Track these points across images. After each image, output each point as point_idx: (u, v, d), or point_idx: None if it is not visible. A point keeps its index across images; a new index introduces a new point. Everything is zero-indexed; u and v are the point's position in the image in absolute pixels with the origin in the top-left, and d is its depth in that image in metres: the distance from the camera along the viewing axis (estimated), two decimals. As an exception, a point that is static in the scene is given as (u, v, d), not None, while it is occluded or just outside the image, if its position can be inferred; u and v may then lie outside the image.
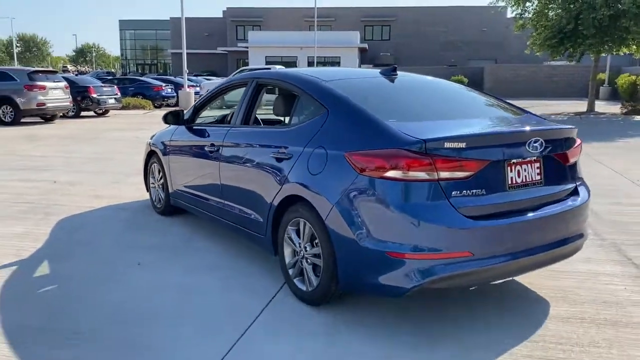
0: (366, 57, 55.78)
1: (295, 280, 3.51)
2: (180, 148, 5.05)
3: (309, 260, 3.38)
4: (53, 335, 3.04)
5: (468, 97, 4.05)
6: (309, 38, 45.99)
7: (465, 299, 3.53)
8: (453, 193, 2.85)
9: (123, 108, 22.50)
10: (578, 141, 3.51)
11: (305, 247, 3.39)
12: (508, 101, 4.07)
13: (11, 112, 15.97)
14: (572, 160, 3.42)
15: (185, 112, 5.14)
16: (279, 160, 3.58)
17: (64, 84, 17.13)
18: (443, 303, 3.47)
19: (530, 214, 3.08)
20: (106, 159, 9.36)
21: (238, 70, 25.77)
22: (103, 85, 20.24)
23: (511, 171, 3.05)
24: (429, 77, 4.30)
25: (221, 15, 62.71)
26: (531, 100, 26.32)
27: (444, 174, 2.83)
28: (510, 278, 3.43)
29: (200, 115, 5.19)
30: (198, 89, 26.30)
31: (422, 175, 2.82)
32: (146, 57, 73.30)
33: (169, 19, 64.74)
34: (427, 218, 2.81)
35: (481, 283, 3.18)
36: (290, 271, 3.56)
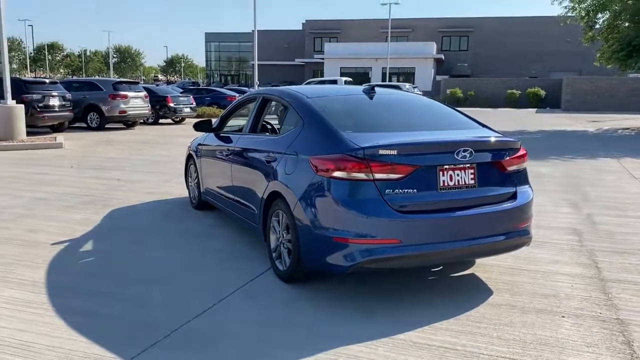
0: (442, 68, 55.53)
1: (276, 262, 4.23)
2: (208, 152, 5.94)
3: (285, 245, 4.09)
4: (77, 290, 3.94)
5: (431, 113, 4.65)
6: (383, 49, 46.60)
7: (419, 286, 4.09)
8: (386, 191, 3.48)
9: (198, 116, 24.24)
10: (521, 152, 4.01)
11: (282, 234, 4.11)
12: (470, 116, 4.59)
13: (97, 118, 17.86)
14: (510, 168, 3.92)
15: (214, 121, 6.03)
16: (268, 162, 4.34)
17: (143, 93, 18.89)
18: (397, 287, 4.05)
19: (460, 212, 3.63)
20: (169, 162, 10.53)
21: (306, 82, 26.90)
22: (180, 95, 21.97)
23: (443, 175, 3.62)
24: (406, 94, 4.95)
25: (300, 28, 64.73)
26: (607, 114, 25.46)
27: (379, 175, 3.47)
28: (442, 264, 4.12)
29: (228, 124, 6.05)
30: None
31: (361, 176, 3.47)
32: (230, 68, 76.82)
33: (251, 31, 67.70)
34: (364, 211, 3.45)
35: (411, 266, 3.80)
36: (274, 254, 4.29)
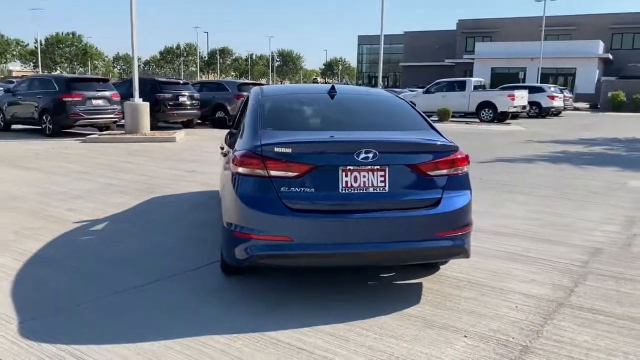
0: (610, 69, 50.11)
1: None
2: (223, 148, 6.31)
3: (225, 238, 4.27)
4: (54, 262, 4.53)
5: (382, 113, 4.50)
6: (539, 48, 43.43)
7: (351, 288, 4.00)
8: (282, 189, 3.49)
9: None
10: (452, 156, 3.71)
11: (225, 227, 4.30)
12: (426, 118, 4.31)
13: (223, 116, 19.40)
14: (434, 173, 3.65)
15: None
16: (226, 156, 4.55)
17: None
18: (329, 286, 4.00)
19: (363, 215, 3.50)
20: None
21: (434, 83, 26.28)
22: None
23: (346, 176, 3.51)
24: (373, 94, 4.83)
25: (454, 28, 62.99)
26: None
27: (274, 173, 3.49)
28: (345, 266, 4.02)
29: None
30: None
31: (259, 172, 3.53)
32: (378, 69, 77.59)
33: (402, 33, 67.59)
34: (259, 207, 3.51)
35: (306, 265, 3.75)
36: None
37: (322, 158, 3.54)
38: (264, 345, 3.13)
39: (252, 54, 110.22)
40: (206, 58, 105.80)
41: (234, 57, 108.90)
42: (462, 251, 3.77)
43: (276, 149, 3.51)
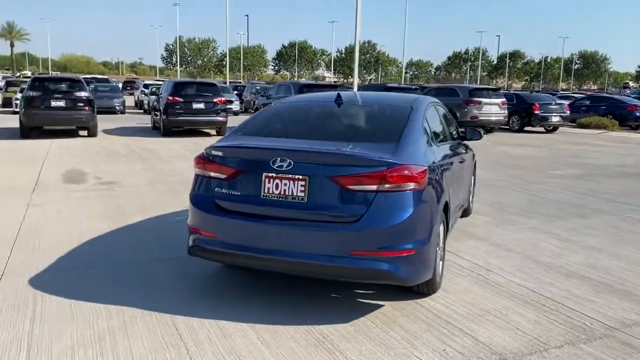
0: None
1: None
2: None
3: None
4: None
5: (369, 124, 4.26)
6: None
7: (323, 295, 3.98)
8: (216, 189, 3.74)
9: (582, 127, 22.38)
10: (381, 171, 3.36)
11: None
12: (407, 134, 3.87)
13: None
14: (356, 188, 3.38)
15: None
16: None
17: (501, 100, 19.02)
18: (313, 290, 4.06)
19: (277, 223, 3.49)
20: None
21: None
22: (550, 102, 20.80)
23: (269, 182, 3.54)
24: (377, 107, 4.52)
25: None
26: None
27: (211, 174, 3.77)
28: (268, 271, 3.93)
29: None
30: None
31: (203, 172, 3.85)
32: None
33: None
34: (199, 203, 3.84)
35: (231, 263, 3.94)
36: None
37: (247, 163, 3.67)
38: (171, 329, 3.47)
39: (546, 57, 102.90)
40: (494, 62, 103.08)
41: (524, 61, 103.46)
42: (388, 277, 3.42)
43: (213, 152, 3.79)
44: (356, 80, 22.55)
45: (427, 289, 3.93)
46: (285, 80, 70.52)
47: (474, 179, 6.77)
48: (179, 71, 77.92)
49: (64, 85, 14.82)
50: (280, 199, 3.54)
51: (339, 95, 4.47)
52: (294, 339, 3.34)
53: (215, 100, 15.74)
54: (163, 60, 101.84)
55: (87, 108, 14.53)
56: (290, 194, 3.52)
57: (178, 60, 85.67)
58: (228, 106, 18.45)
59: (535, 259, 4.98)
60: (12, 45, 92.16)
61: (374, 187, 3.40)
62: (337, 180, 3.44)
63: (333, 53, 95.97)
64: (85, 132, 14.95)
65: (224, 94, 18.76)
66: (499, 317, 3.71)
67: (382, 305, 3.85)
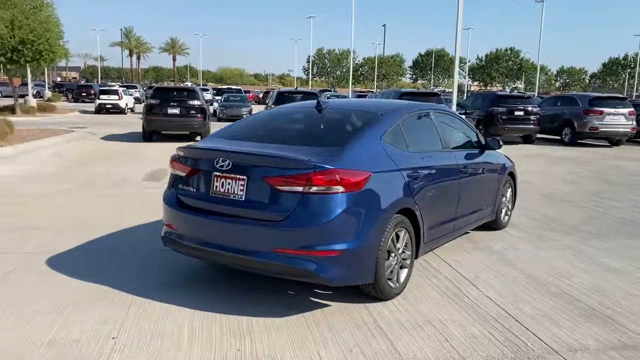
0: None
1: None
2: None
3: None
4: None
5: (332, 129, 4.40)
6: None
7: (267, 295, 4.20)
8: (179, 186, 4.13)
9: None
10: (307, 174, 3.49)
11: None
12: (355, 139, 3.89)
13: (570, 133, 17.76)
14: (284, 188, 3.54)
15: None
16: None
17: (628, 110, 17.25)
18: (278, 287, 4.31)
19: (219, 219, 3.78)
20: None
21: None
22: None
23: (217, 181, 3.83)
24: (346, 115, 4.59)
25: None
26: None
27: (177, 172, 4.17)
28: (220, 265, 4.25)
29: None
30: None
31: (172, 170, 4.27)
32: None
33: None
34: (165, 199, 4.27)
35: (189, 255, 4.15)
36: None
37: (200, 163, 3.99)
38: (124, 307, 3.93)
39: None
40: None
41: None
42: (310, 275, 3.53)
43: (178, 152, 4.18)
44: (351, 89, 21.91)
45: (375, 292, 3.94)
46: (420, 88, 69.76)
47: (511, 191, 6.40)
48: (310, 81, 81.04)
49: (180, 95, 16.45)
50: (224, 196, 3.82)
51: (318, 102, 4.67)
52: (220, 326, 3.59)
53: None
54: (304, 72, 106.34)
55: (199, 115, 15.95)
56: (232, 192, 3.79)
57: (311, 70, 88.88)
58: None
59: (534, 277, 4.67)
60: (174, 59, 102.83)
61: (300, 189, 3.54)
62: (268, 181, 3.64)
63: (469, 60, 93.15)
64: (199, 138, 16.40)
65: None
66: (437, 328, 3.62)
67: (328, 305, 3.95)
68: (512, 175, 6.37)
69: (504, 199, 6.17)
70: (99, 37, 78.35)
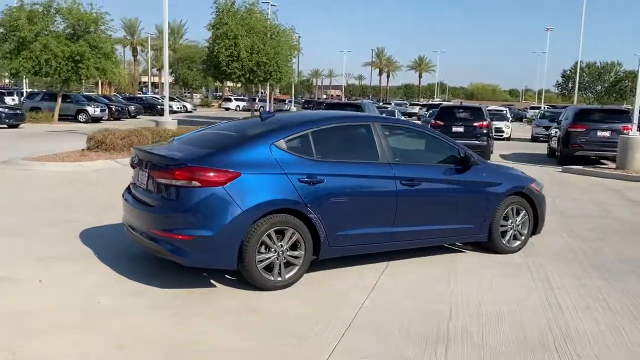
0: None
1: None
2: None
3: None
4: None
5: (235, 137, 5.03)
6: None
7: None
8: (131, 178, 5.17)
9: None
10: (170, 170, 4.31)
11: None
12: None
13: None
14: (160, 180, 4.43)
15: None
16: None
17: None
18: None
19: (139, 205, 4.72)
20: None
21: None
22: None
23: (142, 175, 4.78)
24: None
25: None
26: None
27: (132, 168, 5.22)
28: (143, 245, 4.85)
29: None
30: None
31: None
32: None
33: None
34: (124, 191, 5.28)
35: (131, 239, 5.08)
36: None
37: (136, 160, 4.99)
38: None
39: None
40: None
41: None
42: (168, 255, 4.37)
43: (132, 151, 5.23)
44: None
45: (248, 279, 4.40)
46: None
47: (525, 214, 5.83)
48: (576, 98, 74.23)
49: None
50: (143, 187, 4.77)
51: (261, 114, 5.39)
52: (132, 293, 4.48)
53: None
54: (558, 87, 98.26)
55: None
56: (144, 183, 4.74)
57: (577, 85, 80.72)
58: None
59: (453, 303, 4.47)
60: (420, 76, 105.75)
61: (167, 182, 4.36)
62: (153, 174, 4.56)
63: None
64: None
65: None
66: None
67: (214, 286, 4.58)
68: (525, 196, 5.81)
69: (510, 221, 5.72)
70: (345, 58, 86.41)
